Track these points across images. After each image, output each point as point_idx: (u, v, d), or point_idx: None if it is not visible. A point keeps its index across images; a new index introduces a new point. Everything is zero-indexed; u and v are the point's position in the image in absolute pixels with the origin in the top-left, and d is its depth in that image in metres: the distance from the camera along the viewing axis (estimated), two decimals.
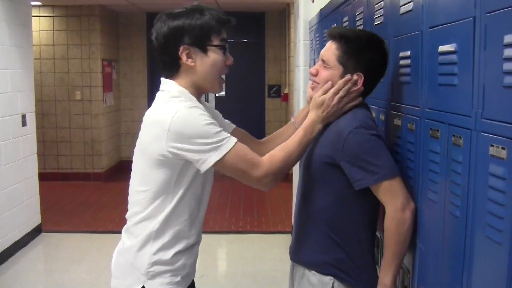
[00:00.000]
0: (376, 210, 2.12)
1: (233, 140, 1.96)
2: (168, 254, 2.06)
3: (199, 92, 2.11)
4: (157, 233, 2.05)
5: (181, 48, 2.02)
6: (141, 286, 2.06)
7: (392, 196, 1.96)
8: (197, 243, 2.20)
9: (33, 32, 6.56)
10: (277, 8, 9.89)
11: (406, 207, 1.95)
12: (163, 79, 2.11)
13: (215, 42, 2.05)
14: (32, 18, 6.66)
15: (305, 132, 2.08)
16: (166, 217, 2.04)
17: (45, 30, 9.19)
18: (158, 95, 2.09)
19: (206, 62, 2.05)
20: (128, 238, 2.12)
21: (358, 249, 2.10)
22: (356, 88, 2.07)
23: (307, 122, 2.10)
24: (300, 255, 2.23)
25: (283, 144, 2.09)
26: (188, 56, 2.03)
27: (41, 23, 9.14)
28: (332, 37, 2.13)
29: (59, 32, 9.21)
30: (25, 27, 6.16)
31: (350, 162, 1.99)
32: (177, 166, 1.99)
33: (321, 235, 2.12)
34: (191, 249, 2.16)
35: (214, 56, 2.06)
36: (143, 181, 2.07)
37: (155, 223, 2.04)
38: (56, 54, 9.23)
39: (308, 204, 2.18)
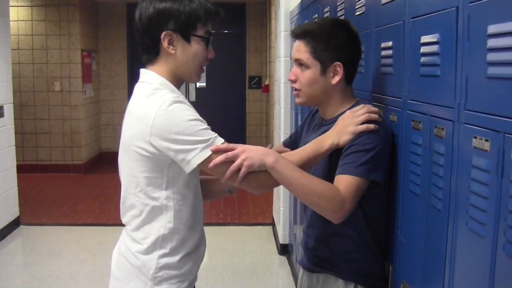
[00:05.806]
0: (379, 210, 2.05)
1: (220, 140, 1.86)
2: (176, 257, 1.98)
3: (178, 82, 2.01)
4: (164, 238, 1.96)
5: (163, 33, 1.92)
6: None
7: (351, 191, 1.85)
8: (202, 242, 2.11)
9: (11, 22, 6.47)
10: None
11: (344, 208, 1.84)
12: (142, 70, 2.01)
13: (200, 32, 1.96)
14: (10, 7, 6.56)
15: (314, 142, 2.00)
16: (171, 221, 1.95)
17: (23, 20, 9.08)
18: (138, 87, 1.98)
19: (188, 52, 1.96)
20: (132, 243, 2.01)
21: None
22: (338, 78, 2.04)
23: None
24: (333, 265, 2.10)
25: (293, 152, 2.02)
26: (170, 43, 1.93)
27: (19, 13, 9.02)
28: (297, 36, 2.09)
29: (37, 22, 9.11)
30: (3, 17, 6.06)
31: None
32: (164, 163, 1.89)
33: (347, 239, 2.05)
34: (198, 250, 2.07)
35: (196, 47, 1.96)
36: (132, 182, 1.96)
37: (159, 228, 1.95)
38: (35, 44, 9.12)
39: None
